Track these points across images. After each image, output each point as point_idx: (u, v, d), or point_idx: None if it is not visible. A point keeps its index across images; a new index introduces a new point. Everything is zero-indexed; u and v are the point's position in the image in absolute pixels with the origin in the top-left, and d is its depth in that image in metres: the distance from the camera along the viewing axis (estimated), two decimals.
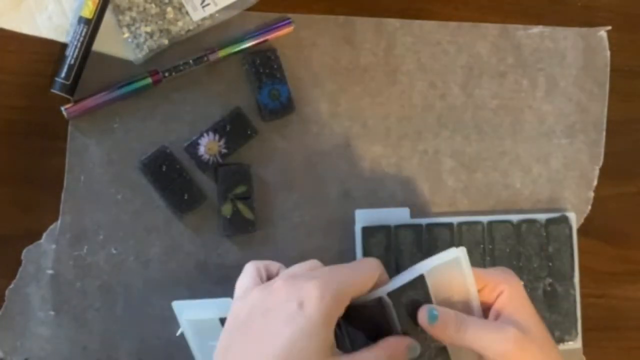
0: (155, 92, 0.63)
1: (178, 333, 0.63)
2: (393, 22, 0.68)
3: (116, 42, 0.63)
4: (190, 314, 0.60)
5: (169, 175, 0.63)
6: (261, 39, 0.64)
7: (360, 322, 0.52)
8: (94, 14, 0.61)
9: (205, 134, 0.63)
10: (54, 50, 0.62)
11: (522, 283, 0.54)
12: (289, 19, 0.65)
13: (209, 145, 0.63)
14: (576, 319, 0.69)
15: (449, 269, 0.52)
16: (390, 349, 0.51)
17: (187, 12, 0.63)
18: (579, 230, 0.71)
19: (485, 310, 0.54)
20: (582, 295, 0.70)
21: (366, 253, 0.65)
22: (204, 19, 0.63)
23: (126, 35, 0.62)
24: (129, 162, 0.63)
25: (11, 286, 0.61)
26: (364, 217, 0.66)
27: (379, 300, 0.52)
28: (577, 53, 0.72)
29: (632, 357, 0.73)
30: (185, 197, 0.63)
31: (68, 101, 0.61)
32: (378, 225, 0.66)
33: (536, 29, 0.71)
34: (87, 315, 0.63)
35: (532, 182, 0.71)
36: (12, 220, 0.62)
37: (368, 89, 0.68)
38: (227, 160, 0.64)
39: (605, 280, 0.73)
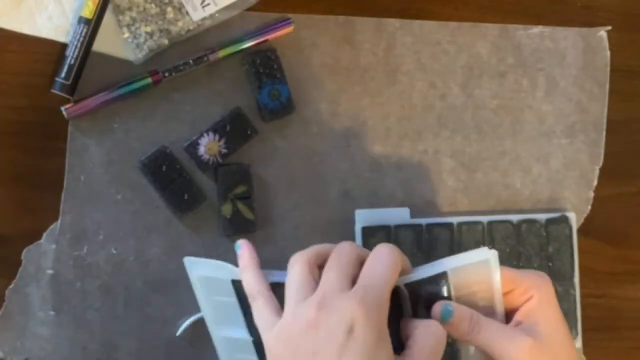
0: (155, 92, 0.63)
1: (178, 333, 0.63)
2: (393, 22, 0.68)
3: (116, 42, 0.63)
4: (202, 271, 0.58)
5: (169, 175, 0.63)
6: (261, 39, 0.64)
7: None
8: (94, 14, 0.61)
9: (205, 134, 0.63)
10: (54, 50, 0.62)
11: (553, 289, 0.53)
12: (289, 19, 0.65)
13: (209, 145, 0.63)
14: (576, 319, 0.69)
15: (476, 269, 0.51)
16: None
17: (187, 12, 0.63)
18: (579, 230, 0.71)
19: (511, 312, 0.53)
20: (582, 295, 0.70)
21: None
22: (204, 19, 0.63)
23: (126, 35, 0.62)
24: (129, 162, 0.63)
25: (11, 286, 0.61)
26: (364, 217, 0.66)
27: (396, 288, 0.51)
28: (577, 53, 0.72)
29: (632, 357, 0.73)
30: (185, 197, 0.63)
31: (68, 101, 0.61)
32: (378, 225, 0.66)
33: (536, 29, 0.71)
34: (87, 315, 0.63)
35: (532, 182, 0.71)
36: (12, 220, 0.62)
37: (368, 89, 0.68)
38: (227, 160, 0.64)
39: (605, 280, 0.73)
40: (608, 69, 0.72)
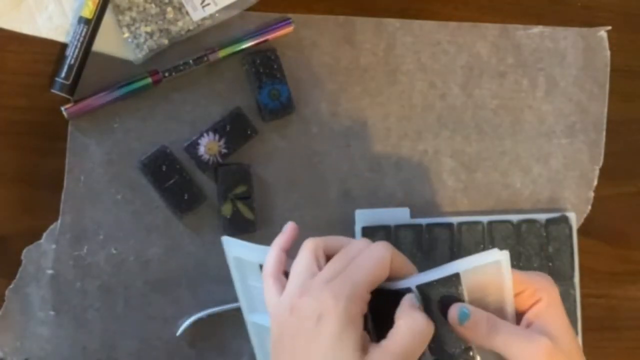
0: (155, 92, 0.63)
1: (178, 333, 0.63)
2: (393, 22, 0.68)
3: (116, 42, 0.63)
4: (237, 251, 0.59)
5: (169, 175, 0.63)
6: (261, 39, 0.64)
7: (387, 306, 0.51)
8: (94, 14, 0.61)
9: (205, 134, 0.63)
10: (54, 50, 0.62)
11: (558, 292, 0.53)
12: (289, 19, 0.65)
13: (209, 145, 0.63)
14: (576, 319, 0.69)
15: (488, 271, 0.51)
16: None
17: (187, 12, 0.63)
18: (579, 230, 0.71)
19: (519, 314, 0.52)
20: (582, 295, 0.70)
21: None
22: (204, 19, 0.63)
23: (126, 35, 0.62)
24: (129, 162, 0.63)
25: (11, 286, 0.61)
26: (364, 217, 0.66)
27: (408, 290, 0.51)
28: (577, 53, 0.72)
29: (632, 357, 0.73)
30: (185, 197, 0.63)
31: (68, 101, 0.61)
32: (378, 225, 0.66)
33: (536, 29, 0.71)
34: (87, 315, 0.63)
35: (532, 182, 0.71)
36: (12, 220, 0.62)
37: (368, 89, 0.68)
38: (227, 160, 0.64)
39: (605, 280, 0.73)
40: (608, 69, 0.72)
